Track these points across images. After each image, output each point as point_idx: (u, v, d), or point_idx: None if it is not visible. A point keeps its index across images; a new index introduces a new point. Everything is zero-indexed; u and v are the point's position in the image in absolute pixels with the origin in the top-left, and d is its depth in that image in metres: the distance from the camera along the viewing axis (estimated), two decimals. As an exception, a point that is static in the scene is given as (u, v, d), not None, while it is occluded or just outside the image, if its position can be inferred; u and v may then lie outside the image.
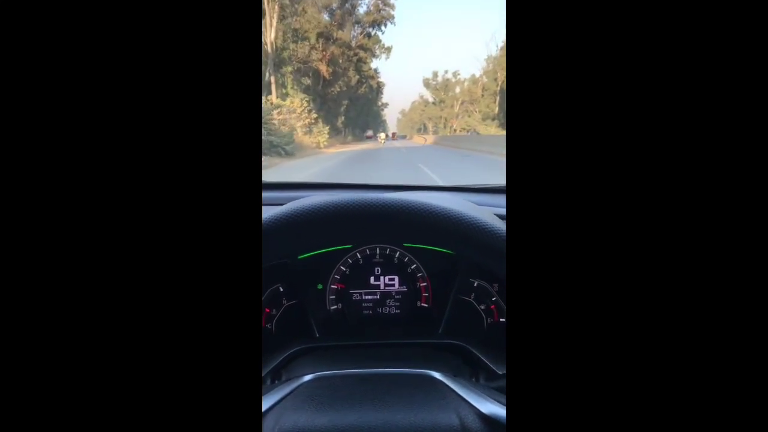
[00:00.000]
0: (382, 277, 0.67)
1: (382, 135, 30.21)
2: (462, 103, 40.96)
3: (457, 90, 41.89)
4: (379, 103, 46.58)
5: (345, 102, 25.54)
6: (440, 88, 42.79)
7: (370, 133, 36.79)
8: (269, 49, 18.19)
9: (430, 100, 46.05)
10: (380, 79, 33.82)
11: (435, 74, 43.47)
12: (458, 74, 42.81)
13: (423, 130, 47.18)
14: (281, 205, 0.45)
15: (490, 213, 0.46)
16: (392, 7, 26.06)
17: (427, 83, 43.75)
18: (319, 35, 22.13)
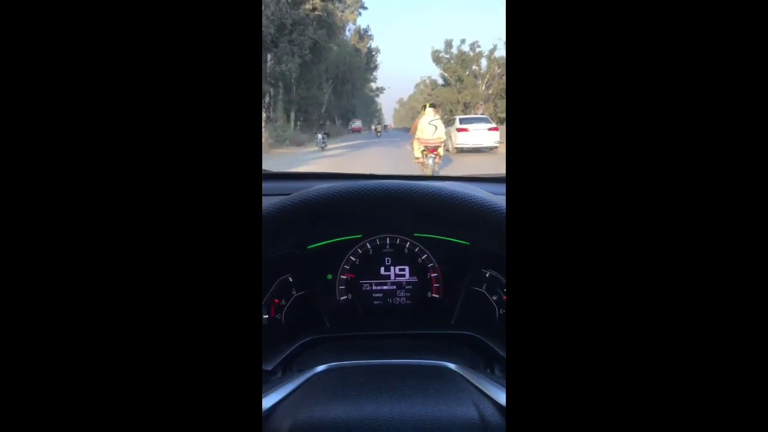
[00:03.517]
0: (392, 268, 0.67)
1: (379, 127, 21.65)
2: (486, 81, 29.36)
3: (483, 65, 30.10)
4: (374, 87, 34.68)
5: (284, 36, 10.76)
6: (456, 62, 30.90)
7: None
8: None
9: (440, 82, 34.20)
10: (373, 44, 22.07)
11: (449, 44, 31.58)
12: (478, 46, 30.96)
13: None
14: (288, 194, 0.45)
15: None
16: None
17: (437, 57, 31.80)
18: None
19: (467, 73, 30.66)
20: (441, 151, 5.22)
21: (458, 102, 31.03)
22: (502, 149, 7.83)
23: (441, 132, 5.16)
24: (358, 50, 22.97)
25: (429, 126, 5.05)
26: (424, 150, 5.14)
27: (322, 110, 18.45)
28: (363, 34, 23.48)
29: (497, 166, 6.72)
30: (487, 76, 29.15)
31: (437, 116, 5.21)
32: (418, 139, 5.19)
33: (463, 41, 34.59)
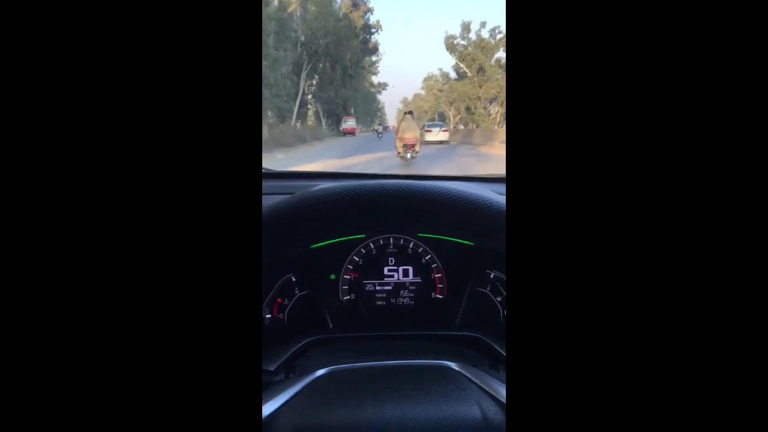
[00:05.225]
0: (396, 268, 0.67)
1: (380, 128, 17.76)
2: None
3: (510, 49, 24.22)
4: (375, 82, 28.75)
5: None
6: (475, 49, 25.06)
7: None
8: None
9: (453, 75, 28.35)
10: (372, 18, 16.36)
11: (466, 28, 25.75)
12: (499, 32, 25.13)
13: (438, 120, 28.65)
14: (291, 194, 0.45)
15: None
16: None
17: (451, 44, 25.96)
18: None
19: (490, 62, 24.89)
20: (417, 147, 7.42)
21: (479, 98, 25.14)
22: (452, 140, 15.46)
23: (416, 132, 7.49)
24: (350, 20, 17.27)
25: (407, 129, 7.31)
26: (404, 146, 7.25)
27: (295, 104, 12.21)
28: (358, 2, 17.75)
29: (450, 148, 12.96)
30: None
31: (413, 121, 7.65)
32: (400, 138, 7.37)
33: (483, 25, 28.60)
